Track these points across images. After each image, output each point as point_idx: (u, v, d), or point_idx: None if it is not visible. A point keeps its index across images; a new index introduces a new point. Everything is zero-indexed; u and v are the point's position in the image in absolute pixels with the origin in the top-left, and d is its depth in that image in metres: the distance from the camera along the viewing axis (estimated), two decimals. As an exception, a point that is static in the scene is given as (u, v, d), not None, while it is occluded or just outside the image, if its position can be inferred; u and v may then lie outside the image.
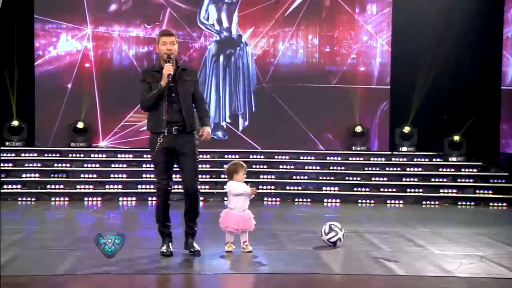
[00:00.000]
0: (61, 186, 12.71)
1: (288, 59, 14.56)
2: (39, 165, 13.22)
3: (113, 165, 13.35)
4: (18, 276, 5.99)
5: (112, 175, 13.04)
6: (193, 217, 6.87)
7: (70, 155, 13.55)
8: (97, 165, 13.32)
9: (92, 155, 13.62)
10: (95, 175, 13.04)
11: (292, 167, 13.46)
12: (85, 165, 13.30)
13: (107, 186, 12.78)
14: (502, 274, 6.30)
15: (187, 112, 6.71)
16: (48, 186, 12.68)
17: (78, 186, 12.73)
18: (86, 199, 12.48)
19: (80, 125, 13.87)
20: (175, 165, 6.88)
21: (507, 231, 9.27)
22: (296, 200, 12.72)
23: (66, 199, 12.43)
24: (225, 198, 12.56)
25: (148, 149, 6.92)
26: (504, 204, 12.66)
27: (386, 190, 12.98)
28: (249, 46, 14.46)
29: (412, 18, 14.19)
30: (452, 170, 13.56)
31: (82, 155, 13.58)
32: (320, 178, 13.22)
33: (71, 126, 13.87)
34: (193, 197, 6.79)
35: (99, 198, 12.54)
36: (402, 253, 7.27)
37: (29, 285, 5.81)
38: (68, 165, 13.27)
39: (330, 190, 12.94)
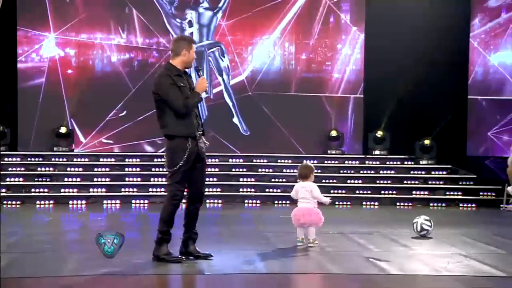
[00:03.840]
0: (46, 190, 12.97)
1: (266, 66, 15.04)
2: (22, 169, 13.44)
3: (96, 169, 13.64)
4: (24, 278, 6.15)
5: (95, 179, 13.33)
6: (195, 224, 7.04)
7: (53, 159, 13.80)
8: (80, 169, 13.60)
9: (75, 159, 13.88)
10: (78, 179, 13.31)
11: (271, 170, 13.92)
12: (68, 169, 13.57)
13: (90, 190, 13.08)
14: (490, 272, 6.66)
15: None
16: (33, 190, 12.93)
17: (62, 190, 13.01)
18: (70, 202, 12.76)
19: (63, 130, 14.11)
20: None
21: (482, 231, 9.78)
22: (276, 202, 13.19)
23: (51, 202, 12.69)
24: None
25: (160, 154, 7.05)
26: (473, 205, 13.33)
27: (361, 192, 13.53)
28: (226, 53, 14.91)
29: (385, 26, 14.74)
30: (423, 172, 14.18)
31: (65, 159, 13.84)
32: (298, 181, 13.62)
33: (54, 131, 14.10)
34: (201, 204, 7.04)
35: (83, 201, 12.82)
36: (390, 253, 7.65)
37: (37, 286, 6.00)
38: (51, 169, 13.52)
39: (308, 192, 13.37)
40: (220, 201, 13.08)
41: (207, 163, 7.24)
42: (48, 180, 13.24)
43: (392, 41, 14.55)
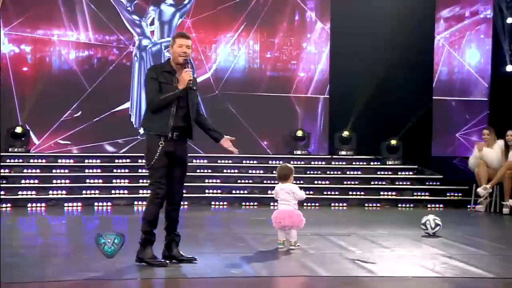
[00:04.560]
0: (2, 193, 12.38)
1: (230, 65, 14.79)
2: (-24, 171, 12.86)
3: (54, 171, 13.14)
4: (11, 283, 5.80)
5: (54, 181, 12.82)
6: (177, 226, 6.84)
7: (8, 161, 13.22)
8: (38, 171, 13.08)
9: (32, 160, 13.35)
10: (36, 181, 12.77)
11: (236, 171, 13.64)
12: (25, 170, 13.03)
13: (50, 192, 12.57)
14: (478, 274, 6.52)
15: (193, 121, 6.73)
16: (-12, 193, 12.36)
17: (20, 192, 12.46)
18: (29, 205, 12.24)
19: (18, 130, 13.57)
20: None
21: (456, 231, 9.65)
22: (244, 203, 12.93)
23: (8, 205, 12.12)
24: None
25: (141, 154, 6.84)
26: (441, 205, 13.28)
27: (329, 193, 13.33)
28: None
29: (351, 26, 14.63)
30: (390, 173, 14.08)
31: (20, 160, 13.29)
32: (265, 182, 13.41)
33: (9, 131, 13.54)
34: (179, 206, 6.83)
35: (43, 204, 12.32)
36: (373, 255, 7.48)
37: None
38: (7, 170, 12.95)
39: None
40: (186, 203, 12.70)
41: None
42: (4, 182, 12.66)
43: (358, 41, 14.45)
